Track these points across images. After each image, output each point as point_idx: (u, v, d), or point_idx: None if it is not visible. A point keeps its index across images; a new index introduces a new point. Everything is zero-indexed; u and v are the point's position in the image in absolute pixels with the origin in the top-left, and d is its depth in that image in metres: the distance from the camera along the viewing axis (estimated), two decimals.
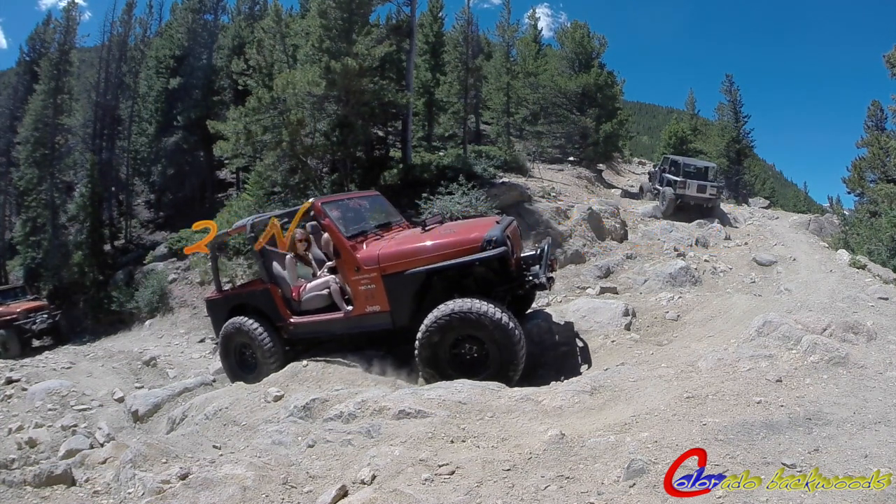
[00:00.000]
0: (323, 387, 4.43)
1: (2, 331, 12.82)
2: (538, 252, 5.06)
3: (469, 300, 4.23)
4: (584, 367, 4.79)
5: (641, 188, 17.57)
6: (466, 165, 13.25)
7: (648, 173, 18.07)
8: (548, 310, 6.38)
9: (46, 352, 11.91)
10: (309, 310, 5.25)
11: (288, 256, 5.39)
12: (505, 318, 4.15)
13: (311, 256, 5.73)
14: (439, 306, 4.30)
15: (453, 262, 4.44)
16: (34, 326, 13.31)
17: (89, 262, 18.17)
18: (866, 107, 17.16)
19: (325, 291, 5.20)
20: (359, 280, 4.76)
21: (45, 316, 13.77)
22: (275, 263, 5.45)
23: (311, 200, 5.22)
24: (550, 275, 4.89)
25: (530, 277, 4.63)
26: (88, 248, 18.68)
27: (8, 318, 13.23)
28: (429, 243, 4.66)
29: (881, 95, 22.69)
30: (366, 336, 5.16)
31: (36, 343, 13.73)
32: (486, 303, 4.20)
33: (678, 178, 14.58)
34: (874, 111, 16.96)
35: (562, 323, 5.65)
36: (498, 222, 4.90)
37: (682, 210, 14.37)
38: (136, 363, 8.80)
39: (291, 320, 5.25)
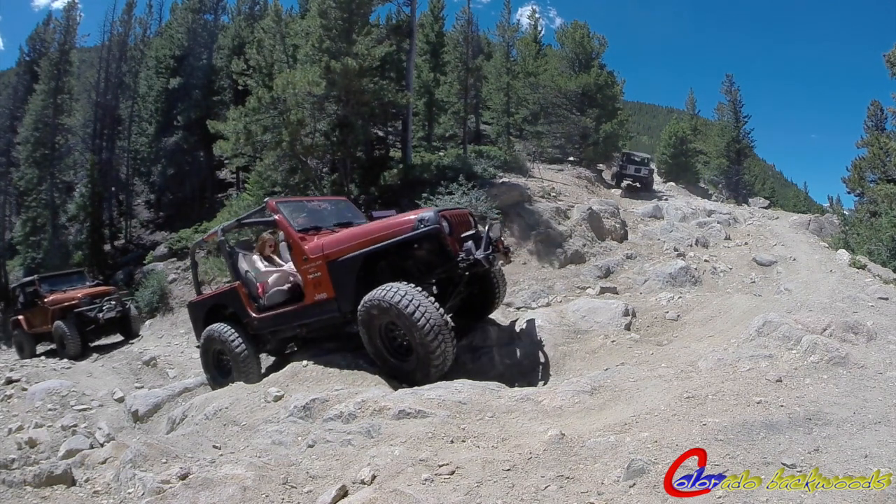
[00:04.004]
0: (323, 387, 4.43)
1: (60, 323, 10.51)
2: (480, 233, 5.04)
3: (388, 286, 4.25)
4: (575, 372, 4.77)
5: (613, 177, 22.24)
6: (466, 165, 13.25)
7: (618, 165, 22.38)
8: (548, 310, 6.39)
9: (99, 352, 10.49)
10: (272, 305, 5.38)
11: (254, 256, 5.60)
12: (410, 306, 4.10)
13: (277, 260, 5.91)
14: (365, 296, 4.40)
15: (385, 243, 4.52)
16: (100, 314, 10.84)
17: (89, 262, 18.18)
18: (866, 107, 17.20)
19: (285, 287, 5.35)
20: (307, 269, 4.86)
21: (113, 303, 11.27)
22: (243, 263, 5.62)
23: (266, 200, 5.44)
24: (492, 254, 4.77)
25: (463, 254, 4.55)
26: (88, 248, 18.71)
27: (67, 304, 10.80)
28: (366, 228, 4.81)
29: (881, 95, 22.79)
30: (326, 330, 5.28)
31: (97, 342, 11.35)
32: (395, 289, 4.19)
33: (624, 164, 20.57)
34: (874, 111, 16.98)
35: (560, 323, 5.65)
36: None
37: (631, 189, 20.00)
38: (136, 363, 8.79)
39: (254, 315, 5.37)
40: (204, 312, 5.90)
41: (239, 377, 5.25)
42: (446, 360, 4.28)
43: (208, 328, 5.60)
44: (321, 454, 2.95)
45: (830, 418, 2.58)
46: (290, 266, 5.53)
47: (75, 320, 10.64)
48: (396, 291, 4.19)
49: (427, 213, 4.59)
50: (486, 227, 5.00)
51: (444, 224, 4.53)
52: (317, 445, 3.09)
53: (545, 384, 4.52)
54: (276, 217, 5.14)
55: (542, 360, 5.08)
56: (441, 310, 4.23)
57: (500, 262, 5.46)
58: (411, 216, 4.64)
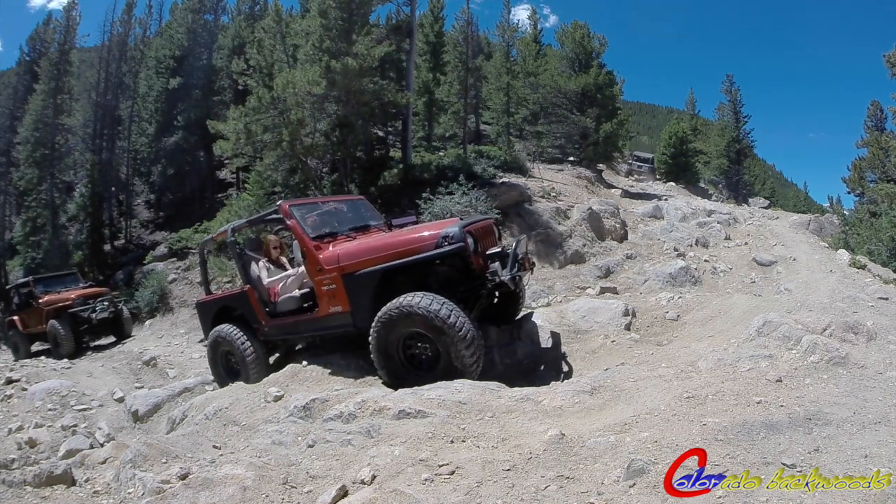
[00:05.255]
0: (323, 387, 4.43)
1: (54, 322, 10.72)
2: (506, 250, 4.86)
3: (413, 295, 4.08)
4: (575, 371, 4.77)
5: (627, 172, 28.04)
6: (466, 165, 13.25)
7: (629, 162, 28.63)
8: (548, 310, 6.39)
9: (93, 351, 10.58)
10: (283, 312, 5.25)
11: (261, 261, 5.49)
12: (445, 311, 3.93)
13: (284, 261, 5.85)
14: (387, 304, 4.21)
15: (406, 260, 4.33)
16: (93, 315, 11.05)
17: (89, 262, 18.21)
18: (866, 107, 17.22)
19: (297, 294, 5.24)
20: (321, 280, 4.71)
21: (106, 304, 11.48)
22: (253, 266, 5.51)
23: (279, 202, 5.23)
24: (518, 272, 4.63)
25: (489, 276, 4.36)
26: (88, 248, 18.72)
27: (61, 305, 11.04)
28: (385, 242, 4.61)
29: (881, 95, 22.81)
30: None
31: (93, 342, 11.59)
32: (430, 297, 4.02)
33: (632, 162, 27.16)
34: (874, 111, 17.01)
35: (560, 323, 5.65)
36: (461, 219, 4.82)
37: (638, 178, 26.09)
38: (136, 363, 8.79)
39: (264, 322, 5.28)
40: (212, 313, 5.84)
41: (247, 379, 5.20)
42: (478, 373, 4.09)
43: (216, 329, 5.53)
44: (321, 454, 2.95)
45: (830, 418, 2.58)
46: (301, 270, 5.38)
47: (69, 320, 10.84)
48: (433, 300, 3.98)
49: (451, 228, 4.33)
50: (514, 245, 4.80)
51: (469, 240, 4.30)
52: (317, 445, 3.09)
53: (545, 384, 4.52)
54: (290, 222, 4.96)
55: (542, 360, 5.08)
56: (475, 324, 4.07)
57: (527, 275, 5.28)
58: (430, 232, 4.44)
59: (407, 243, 4.45)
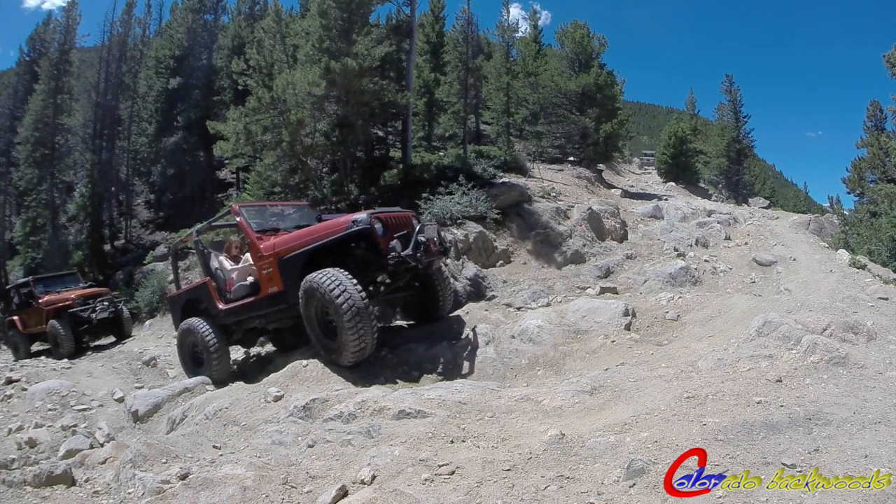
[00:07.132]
0: (323, 387, 4.43)
1: (54, 322, 10.74)
2: (409, 234, 5.34)
3: (317, 272, 4.67)
4: (575, 371, 4.77)
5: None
6: (466, 165, 13.22)
7: (640, 158, 32.84)
8: (548, 310, 6.39)
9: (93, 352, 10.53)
10: (236, 298, 5.81)
11: (220, 257, 6.15)
12: (335, 289, 4.46)
13: (242, 259, 6.37)
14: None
15: (322, 242, 5.00)
16: (93, 315, 11.04)
17: (89, 262, 18.19)
18: (866, 107, 17.20)
19: (247, 281, 5.82)
20: (262, 266, 5.42)
21: (106, 304, 11.46)
22: (213, 260, 6.15)
23: (230, 204, 5.89)
24: (421, 254, 5.02)
25: (392, 254, 4.90)
26: (88, 248, 18.70)
27: (61, 305, 11.05)
28: (310, 229, 5.30)
29: (881, 95, 22.83)
30: (285, 321, 5.73)
31: (93, 342, 11.59)
32: (326, 274, 4.59)
33: (642, 157, 31.98)
34: (873, 111, 16.98)
35: (560, 323, 5.65)
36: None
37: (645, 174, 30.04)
38: (136, 363, 8.78)
39: (220, 307, 5.85)
40: (181, 306, 6.49)
41: (209, 368, 5.76)
42: (364, 343, 4.58)
43: (184, 322, 6.14)
44: (321, 454, 2.95)
45: (830, 418, 2.58)
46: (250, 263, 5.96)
47: (69, 320, 10.88)
48: (325, 275, 4.59)
49: (361, 215, 5.06)
50: (417, 228, 5.32)
51: (378, 225, 4.97)
52: (317, 445, 3.10)
53: (545, 384, 4.52)
54: (238, 219, 5.66)
55: (542, 360, 5.08)
56: (364, 296, 4.54)
57: (440, 261, 5.81)
58: (345, 218, 5.11)
59: (326, 228, 5.14)
